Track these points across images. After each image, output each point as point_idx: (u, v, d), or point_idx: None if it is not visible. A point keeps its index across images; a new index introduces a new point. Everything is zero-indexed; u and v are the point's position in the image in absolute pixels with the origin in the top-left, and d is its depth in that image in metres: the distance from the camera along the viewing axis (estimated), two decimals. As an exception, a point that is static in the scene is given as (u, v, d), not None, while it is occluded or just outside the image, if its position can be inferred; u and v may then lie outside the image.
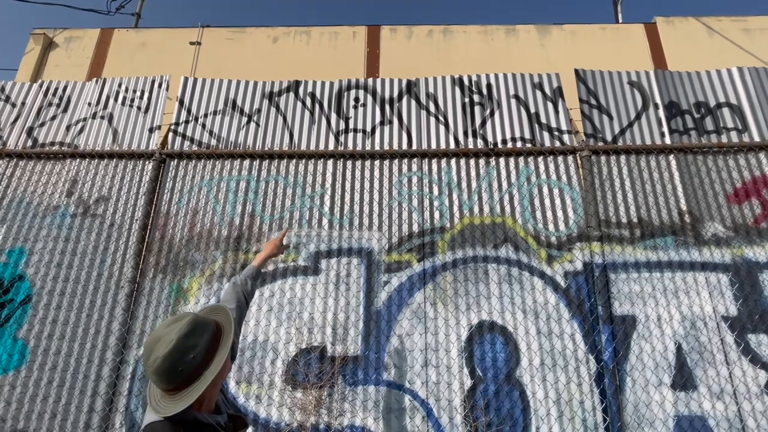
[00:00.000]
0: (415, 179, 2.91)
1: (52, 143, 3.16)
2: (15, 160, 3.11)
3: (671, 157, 2.85)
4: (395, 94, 3.18)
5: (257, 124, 3.15)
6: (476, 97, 3.13)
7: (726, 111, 2.97)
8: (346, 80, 3.25)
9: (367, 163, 2.96)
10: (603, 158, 2.86)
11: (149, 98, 3.29)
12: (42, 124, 3.25)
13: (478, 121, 3.05)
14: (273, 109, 3.20)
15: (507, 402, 2.34)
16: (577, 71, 3.13)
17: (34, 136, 3.20)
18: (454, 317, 2.52)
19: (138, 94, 3.32)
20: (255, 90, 3.28)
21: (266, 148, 3.04)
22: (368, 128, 3.08)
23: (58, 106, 3.31)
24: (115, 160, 3.07)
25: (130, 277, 2.71)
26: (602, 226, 2.68)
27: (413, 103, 3.14)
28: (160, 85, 3.32)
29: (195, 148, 3.09)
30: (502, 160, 2.91)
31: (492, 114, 3.07)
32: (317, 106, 3.18)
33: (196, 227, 2.85)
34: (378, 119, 3.11)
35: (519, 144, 2.95)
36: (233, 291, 1.54)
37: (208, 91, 3.29)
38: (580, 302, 2.51)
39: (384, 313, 2.56)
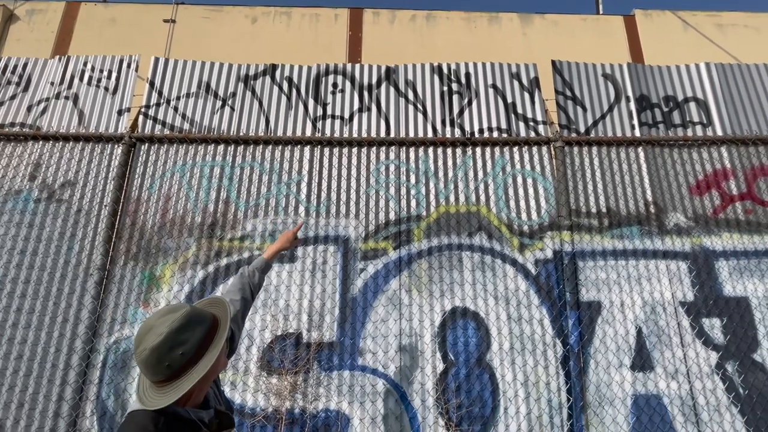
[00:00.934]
0: (392, 167, 2.91)
1: (12, 124, 3.00)
2: (-28, 141, 2.95)
3: (640, 149, 2.94)
4: (374, 80, 3.15)
5: (232, 108, 3.08)
6: (455, 86, 3.14)
7: (693, 105, 3.07)
8: (324, 65, 3.20)
9: (345, 150, 2.94)
10: (576, 149, 2.93)
11: (117, 79, 3.15)
12: (0, 104, 3.07)
13: (456, 110, 3.07)
14: (249, 93, 3.12)
15: (477, 384, 2.43)
16: (554, 62, 3.17)
17: (-8, 116, 3.03)
18: (429, 304, 2.58)
19: (105, 74, 3.17)
20: (230, 73, 3.19)
21: (241, 134, 2.98)
22: (346, 115, 3.05)
23: (18, 84, 3.14)
24: (81, 143, 2.95)
25: (100, 265, 2.64)
26: (572, 215, 2.77)
27: (392, 90, 3.12)
28: (129, 65, 3.18)
29: (167, 132, 2.99)
30: (478, 150, 2.95)
31: (470, 103, 3.09)
32: (294, 91, 3.12)
33: (169, 213, 2.79)
34: (356, 106, 3.08)
35: (495, 134, 2.98)
36: (240, 282, 1.51)
37: (180, 72, 3.18)
38: (549, 289, 2.61)
39: (360, 299, 2.59)
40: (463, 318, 2.55)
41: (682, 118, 3.04)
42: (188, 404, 1.06)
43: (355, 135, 2.98)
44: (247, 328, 2.53)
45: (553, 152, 2.91)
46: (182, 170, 2.90)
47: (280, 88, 3.14)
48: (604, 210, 2.79)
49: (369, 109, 3.06)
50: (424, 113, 3.05)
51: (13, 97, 3.10)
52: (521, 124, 3.01)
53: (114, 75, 3.17)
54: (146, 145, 2.95)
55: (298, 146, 2.95)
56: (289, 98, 3.11)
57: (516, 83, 3.13)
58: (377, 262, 2.68)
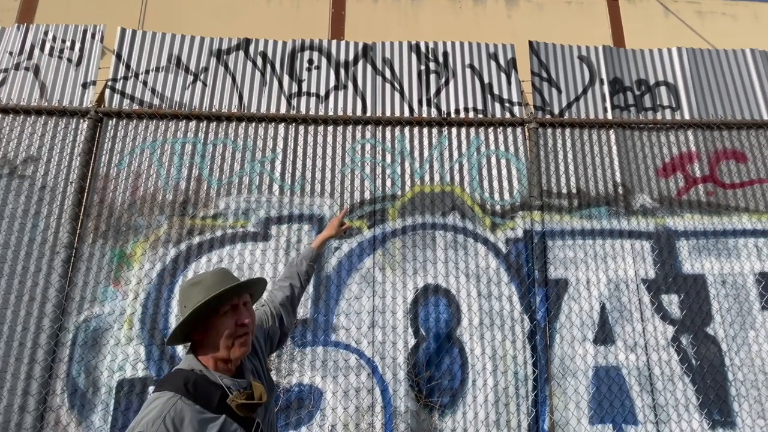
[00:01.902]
0: (368, 146, 2.90)
1: (-32, 95, 2.85)
2: (-76, 113, 2.79)
3: (611, 131, 3.01)
4: (351, 57, 3.10)
5: (204, 84, 2.99)
6: (432, 65, 3.11)
7: (663, 89, 3.14)
8: (300, 41, 3.12)
9: (320, 128, 2.91)
10: (549, 131, 2.97)
11: (81, 50, 3.01)
12: (-45, 74, 2.91)
13: (432, 90, 3.05)
14: (221, 68, 3.03)
15: (447, 358, 2.51)
16: (531, 43, 3.17)
17: (-55, 86, 2.87)
18: (401, 281, 2.62)
19: (68, 44, 3.02)
20: (202, 47, 3.08)
21: (214, 110, 2.90)
22: (322, 92, 3.00)
23: (-27, 53, 2.97)
24: (44, 116, 2.83)
25: (67, 243, 2.58)
26: (543, 195, 2.83)
27: (369, 68, 3.08)
28: (93, 36, 3.04)
29: (136, 107, 2.89)
30: (454, 130, 2.96)
31: (447, 83, 3.08)
32: (269, 67, 3.05)
33: (139, 191, 2.73)
34: (332, 83, 3.03)
35: (471, 114, 2.99)
36: (288, 271, 1.61)
37: (149, 45, 3.05)
38: (519, 267, 2.68)
39: (334, 277, 2.62)
40: (435, 295, 2.61)
41: (653, 101, 3.11)
42: (217, 369, 1.12)
43: (331, 113, 2.95)
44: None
45: (527, 133, 2.95)
46: (152, 147, 2.83)
47: (254, 63, 3.06)
48: (574, 191, 2.86)
49: (345, 87, 3.02)
50: (401, 92, 3.03)
51: (-32, 67, 2.93)
52: (497, 105, 3.03)
53: (78, 46, 3.02)
54: (114, 120, 2.85)
55: (273, 123, 2.90)
56: (263, 74, 3.03)
57: (493, 63, 3.13)
58: (352, 240, 2.69)
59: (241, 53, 3.08)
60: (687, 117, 3.06)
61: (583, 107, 3.06)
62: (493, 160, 2.90)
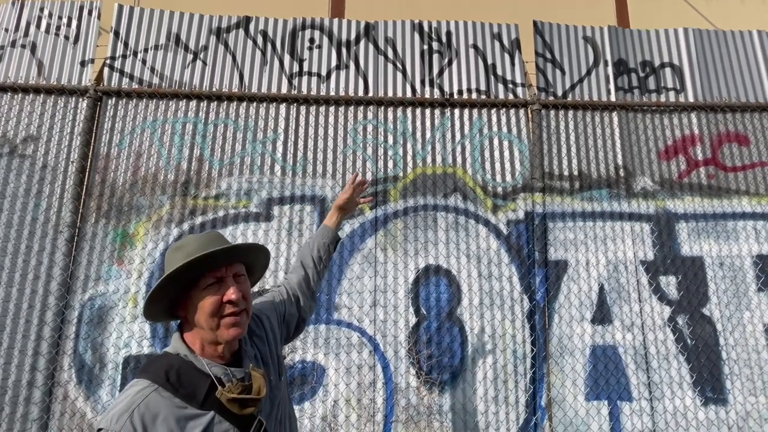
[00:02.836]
0: (370, 127, 2.88)
1: (-35, 73, 2.81)
2: None
3: (614, 114, 2.99)
4: (352, 36, 3.05)
5: (204, 63, 2.95)
6: (435, 45, 3.07)
7: (668, 71, 3.11)
8: (301, 19, 3.07)
9: (322, 108, 2.89)
10: (552, 112, 2.95)
11: (78, 27, 2.96)
12: (-50, 51, 2.86)
13: (435, 70, 3.02)
14: (221, 47, 2.99)
15: (447, 337, 2.55)
16: (535, 23, 3.12)
17: (-59, 64, 2.83)
18: (403, 262, 2.65)
19: (65, 21, 2.97)
20: (201, 24, 3.03)
21: (214, 89, 2.88)
22: (323, 72, 2.97)
23: (-32, 29, 2.91)
24: (42, 95, 2.80)
25: (70, 222, 2.58)
26: (545, 177, 2.83)
27: (371, 47, 3.03)
28: (90, 13, 2.98)
29: (135, 86, 2.86)
30: (456, 111, 2.94)
31: (450, 63, 3.04)
32: (269, 46, 3.00)
33: (140, 171, 2.72)
34: (334, 63, 2.99)
35: (474, 95, 2.97)
36: (301, 253, 1.41)
37: (147, 22, 3.00)
38: (519, 248, 2.71)
39: (336, 258, 2.64)
40: (436, 275, 2.64)
41: (657, 83, 3.08)
42: (204, 354, 0.93)
43: (332, 93, 2.92)
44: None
45: (530, 115, 2.93)
46: (153, 126, 2.81)
47: (255, 42, 3.01)
48: (575, 173, 2.86)
49: (347, 67, 2.98)
50: (404, 72, 3.00)
51: (-37, 44, 2.88)
52: (500, 86, 3.00)
53: (74, 23, 2.97)
54: (113, 99, 2.82)
55: (274, 104, 2.88)
56: (264, 53, 2.99)
57: (497, 44, 3.09)
58: (353, 221, 2.71)
59: (241, 31, 3.03)
60: (691, 99, 3.04)
61: (587, 89, 3.04)
62: (496, 141, 2.89)
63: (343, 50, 3.02)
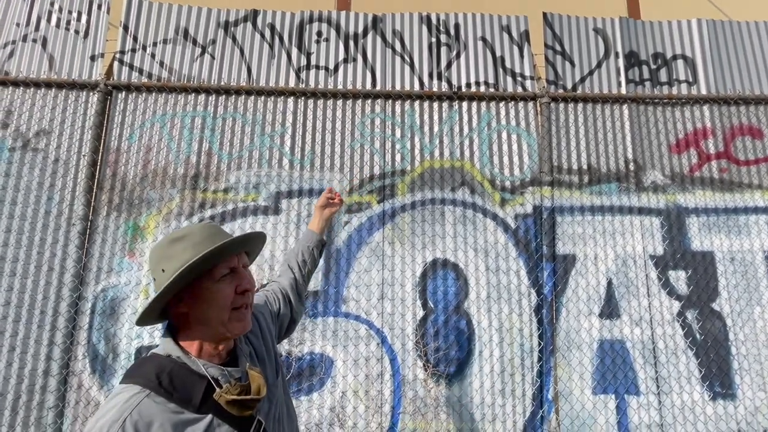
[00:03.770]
0: (378, 121, 2.88)
1: (-22, 68, 2.85)
2: (-64, 85, 2.80)
3: (624, 106, 2.95)
4: (360, 29, 3.04)
5: (212, 57, 2.96)
6: (443, 38, 3.05)
7: (680, 63, 3.06)
8: (308, 12, 3.06)
9: (330, 102, 2.89)
10: (561, 106, 2.92)
11: (88, 21, 2.98)
12: (-37, 46, 2.90)
13: (443, 63, 3.00)
14: (229, 41, 2.99)
15: (454, 330, 2.56)
16: (545, 15, 3.08)
17: (-45, 58, 2.87)
18: (411, 255, 2.66)
19: (74, 15, 2.99)
20: (209, 18, 3.03)
21: (222, 83, 2.89)
22: (331, 65, 2.96)
23: (-20, 24, 2.94)
24: (54, 89, 2.83)
25: (82, 215, 2.62)
26: (554, 171, 2.81)
27: (378, 40, 3.02)
28: (99, 7, 3.00)
29: (144, 80, 2.88)
30: (464, 104, 2.92)
31: (458, 56, 3.02)
32: (277, 39, 3.00)
33: (150, 164, 2.75)
34: (341, 56, 2.99)
35: (482, 88, 2.95)
36: (287, 256, 1.41)
37: (156, 16, 3.01)
38: (527, 242, 2.70)
39: (344, 251, 2.66)
40: (444, 269, 2.65)
41: (669, 75, 3.03)
42: (201, 356, 0.88)
43: (340, 87, 2.91)
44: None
45: (539, 108, 2.91)
46: (162, 120, 2.83)
47: (262, 35, 3.01)
48: (585, 167, 2.84)
49: (355, 60, 2.98)
50: (411, 65, 2.98)
51: (-24, 39, 2.92)
52: (509, 79, 2.98)
53: (84, 17, 2.98)
54: (123, 93, 2.84)
55: (282, 97, 2.88)
56: (271, 47, 2.99)
57: (506, 36, 3.06)
58: (361, 215, 2.72)
59: (249, 25, 3.03)
60: (704, 92, 2.99)
61: (597, 81, 3.00)
62: (504, 135, 2.87)
63: (351, 43, 3.01)
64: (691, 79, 3.02)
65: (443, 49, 3.03)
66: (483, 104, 2.92)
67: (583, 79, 3.00)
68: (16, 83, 2.81)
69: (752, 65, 3.06)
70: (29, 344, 2.46)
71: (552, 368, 2.53)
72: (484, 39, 3.05)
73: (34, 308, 2.51)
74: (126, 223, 2.65)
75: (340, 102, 2.89)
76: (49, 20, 2.97)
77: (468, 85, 2.95)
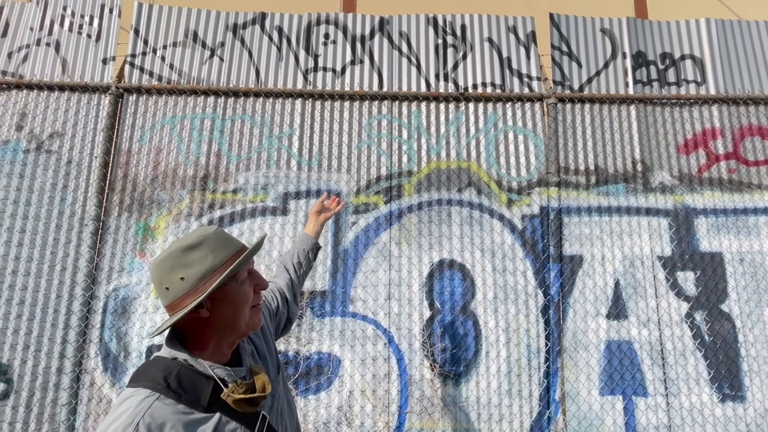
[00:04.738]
0: (384, 122, 2.90)
1: (-6, 71, 2.91)
2: (-47, 89, 2.86)
3: (632, 107, 2.94)
4: (367, 31, 3.06)
5: (221, 59, 3.00)
6: (450, 39, 3.06)
7: (688, 63, 3.04)
8: (316, 14, 3.08)
9: (337, 104, 2.91)
10: (568, 106, 2.92)
11: (100, 25, 3.03)
12: (-21, 50, 2.96)
13: (450, 64, 3.01)
14: (237, 43, 3.03)
15: (461, 330, 2.57)
16: (551, 15, 3.08)
17: (-29, 62, 2.93)
18: (417, 255, 2.67)
19: (87, 19, 3.04)
20: (218, 21, 3.07)
21: (231, 85, 2.92)
22: (338, 67, 2.99)
23: (-4, 29, 3.01)
24: (66, 92, 2.88)
25: (94, 215, 2.67)
26: (561, 172, 2.81)
27: (385, 42, 3.04)
28: (111, 11, 3.05)
29: (155, 82, 2.92)
30: (471, 106, 2.93)
31: (464, 57, 3.03)
32: (285, 42, 3.03)
33: (161, 166, 2.79)
34: (348, 58, 3.01)
35: (489, 89, 2.95)
36: (282, 258, 1.47)
37: (166, 19, 3.05)
38: (534, 243, 2.70)
39: (351, 251, 2.68)
40: (450, 269, 2.66)
41: (677, 76, 3.02)
42: (205, 356, 0.89)
43: (347, 88, 2.94)
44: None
45: (545, 109, 2.91)
46: (172, 122, 2.87)
47: (270, 38, 3.04)
48: (592, 167, 2.84)
49: (362, 62, 3.00)
50: (418, 67, 3.00)
51: (-9, 43, 2.98)
52: (515, 80, 2.98)
53: (96, 21, 3.04)
54: (134, 95, 2.89)
55: (289, 99, 2.91)
56: (279, 49, 3.02)
57: (512, 37, 3.06)
58: (368, 216, 2.74)
59: (257, 28, 3.06)
60: (713, 92, 2.97)
61: (604, 82, 2.99)
62: (511, 136, 2.88)
63: (358, 45, 3.03)
64: (699, 80, 3.00)
65: (450, 51, 3.04)
66: (489, 105, 2.93)
67: (590, 80, 2.99)
68: (30, 86, 2.87)
69: (762, 65, 3.04)
70: (43, 342, 2.51)
71: (559, 369, 2.53)
72: (490, 40, 3.06)
73: (48, 307, 2.56)
74: (137, 223, 2.69)
75: (347, 103, 2.92)
76: (62, 24, 3.03)
77: (474, 86, 2.96)
